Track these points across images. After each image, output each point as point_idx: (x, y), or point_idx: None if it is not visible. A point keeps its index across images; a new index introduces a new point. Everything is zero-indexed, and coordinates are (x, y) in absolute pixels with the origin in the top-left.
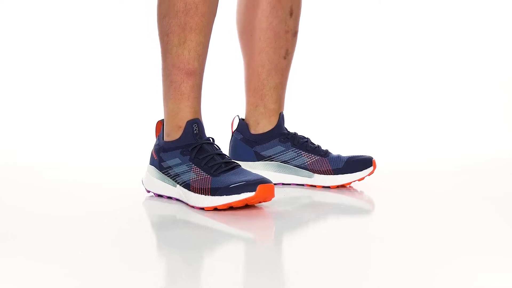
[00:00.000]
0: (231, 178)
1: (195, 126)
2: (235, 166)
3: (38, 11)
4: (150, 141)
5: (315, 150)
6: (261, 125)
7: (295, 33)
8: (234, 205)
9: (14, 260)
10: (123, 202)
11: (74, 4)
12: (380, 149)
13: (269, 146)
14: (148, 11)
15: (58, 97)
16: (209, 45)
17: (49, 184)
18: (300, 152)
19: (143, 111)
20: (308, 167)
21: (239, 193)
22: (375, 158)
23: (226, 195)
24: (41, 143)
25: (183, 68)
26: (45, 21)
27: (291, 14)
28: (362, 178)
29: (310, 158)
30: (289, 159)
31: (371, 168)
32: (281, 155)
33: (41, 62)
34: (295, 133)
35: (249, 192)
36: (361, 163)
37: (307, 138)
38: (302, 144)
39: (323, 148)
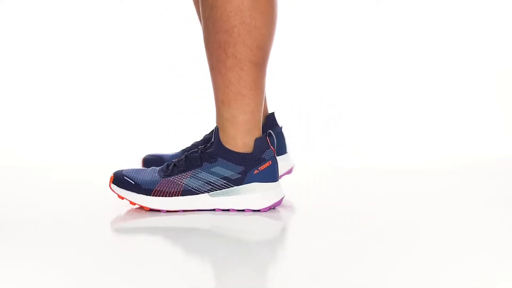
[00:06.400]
0: None
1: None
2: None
3: (38, 11)
4: (149, 141)
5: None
6: None
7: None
8: None
9: (14, 260)
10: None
11: (74, 4)
12: (379, 150)
13: None
14: (148, 11)
15: (59, 97)
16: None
17: (49, 184)
18: None
19: (143, 111)
20: None
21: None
22: None
23: None
24: (41, 143)
25: None
26: (45, 21)
27: None
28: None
29: None
30: None
31: None
32: None
33: (42, 62)
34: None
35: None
36: None
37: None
38: None
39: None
